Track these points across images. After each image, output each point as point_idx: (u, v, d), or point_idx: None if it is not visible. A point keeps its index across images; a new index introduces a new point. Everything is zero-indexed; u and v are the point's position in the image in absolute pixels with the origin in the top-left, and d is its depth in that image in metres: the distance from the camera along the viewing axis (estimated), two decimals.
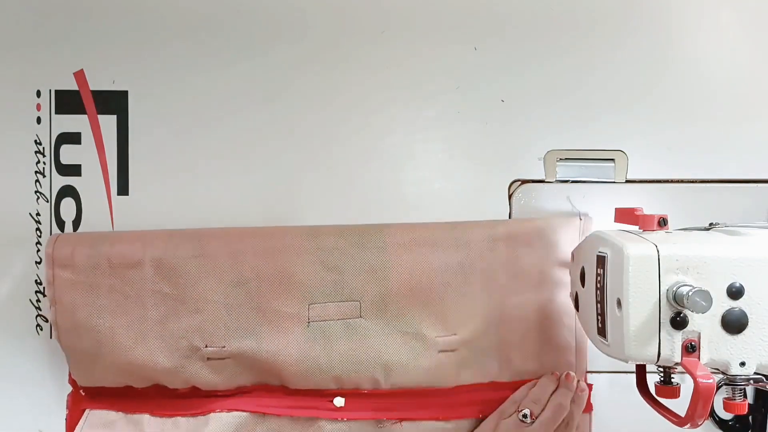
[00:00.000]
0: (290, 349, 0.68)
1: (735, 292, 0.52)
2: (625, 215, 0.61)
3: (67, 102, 0.74)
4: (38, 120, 0.74)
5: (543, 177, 0.73)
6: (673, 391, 0.56)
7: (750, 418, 0.73)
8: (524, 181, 0.74)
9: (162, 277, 0.68)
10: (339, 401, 0.69)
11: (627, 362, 0.55)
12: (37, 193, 0.75)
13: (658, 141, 0.73)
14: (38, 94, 0.74)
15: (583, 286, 0.63)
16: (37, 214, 0.75)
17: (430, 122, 0.74)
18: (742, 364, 0.52)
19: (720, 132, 0.73)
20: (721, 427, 0.73)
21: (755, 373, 0.53)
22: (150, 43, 0.74)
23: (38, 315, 0.75)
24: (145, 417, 0.71)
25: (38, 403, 0.74)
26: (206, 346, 0.68)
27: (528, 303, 0.71)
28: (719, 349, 0.52)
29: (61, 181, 0.74)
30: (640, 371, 0.61)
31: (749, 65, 0.73)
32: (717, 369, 0.54)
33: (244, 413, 0.68)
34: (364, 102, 0.72)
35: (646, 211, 0.59)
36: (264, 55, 0.74)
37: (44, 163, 0.75)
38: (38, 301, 0.75)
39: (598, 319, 0.58)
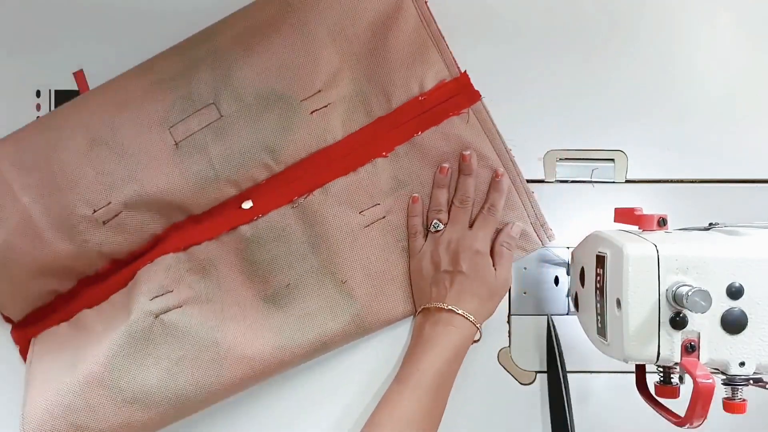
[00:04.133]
0: (172, 175, 0.68)
1: (734, 292, 0.52)
2: (624, 215, 0.61)
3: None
4: None
5: (543, 177, 0.73)
6: (673, 391, 0.56)
7: None
8: None
9: (23, 172, 0.68)
10: (246, 204, 0.69)
11: (626, 362, 0.55)
12: None
13: (658, 141, 0.73)
14: (38, 94, 0.74)
15: (582, 286, 0.63)
16: None
17: None
18: (742, 364, 0.52)
19: (720, 132, 0.73)
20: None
21: (755, 373, 0.53)
22: (149, 43, 0.73)
23: None
24: (84, 312, 0.71)
25: None
26: (94, 211, 0.68)
27: (375, 27, 0.69)
28: (719, 349, 0.52)
29: None
30: (640, 371, 0.61)
31: (749, 65, 0.73)
32: (716, 369, 0.54)
33: (167, 256, 0.68)
34: None
35: (646, 211, 0.59)
36: None
37: None
38: None
39: (597, 319, 0.58)
